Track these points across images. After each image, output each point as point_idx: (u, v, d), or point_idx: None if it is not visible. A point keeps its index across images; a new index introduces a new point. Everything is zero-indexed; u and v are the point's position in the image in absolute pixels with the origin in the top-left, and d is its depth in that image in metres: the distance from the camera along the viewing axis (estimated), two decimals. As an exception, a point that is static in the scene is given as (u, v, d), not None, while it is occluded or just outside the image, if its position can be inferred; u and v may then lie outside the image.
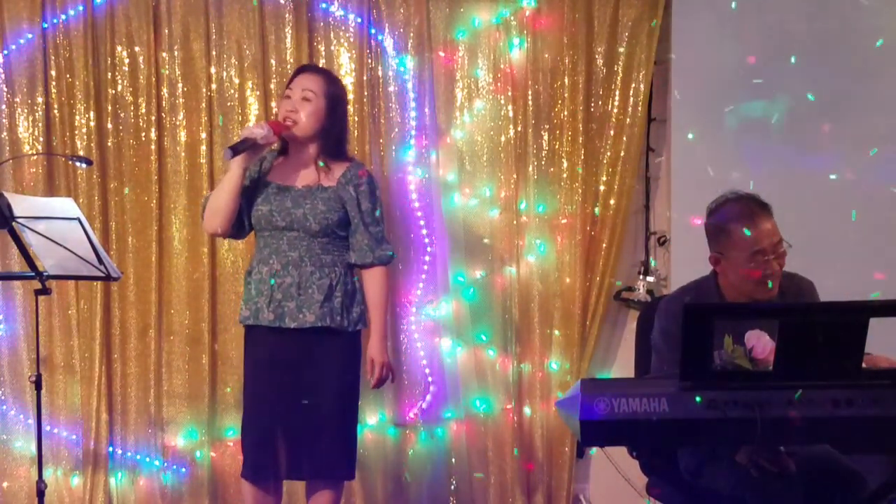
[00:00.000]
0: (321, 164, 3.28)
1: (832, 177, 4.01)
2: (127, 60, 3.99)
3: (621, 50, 4.08)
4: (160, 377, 4.02)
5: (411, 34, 4.06)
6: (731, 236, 2.85)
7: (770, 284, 2.84)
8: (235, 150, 3.16)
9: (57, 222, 3.11)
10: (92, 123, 3.96)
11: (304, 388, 3.19)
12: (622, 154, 4.09)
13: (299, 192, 3.24)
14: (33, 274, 3.23)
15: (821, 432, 2.33)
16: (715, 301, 2.92)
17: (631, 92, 4.08)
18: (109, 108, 3.98)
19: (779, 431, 2.25)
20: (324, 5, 4.03)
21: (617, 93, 4.10)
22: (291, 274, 3.20)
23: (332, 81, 3.35)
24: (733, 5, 4.06)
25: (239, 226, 3.33)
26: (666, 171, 4.20)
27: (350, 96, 4.03)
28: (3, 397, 4.01)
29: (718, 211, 2.93)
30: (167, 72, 4.00)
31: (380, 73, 4.06)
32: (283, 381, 3.21)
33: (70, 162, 3.90)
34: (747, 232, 2.81)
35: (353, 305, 3.26)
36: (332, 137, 3.30)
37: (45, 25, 3.93)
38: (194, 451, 4.05)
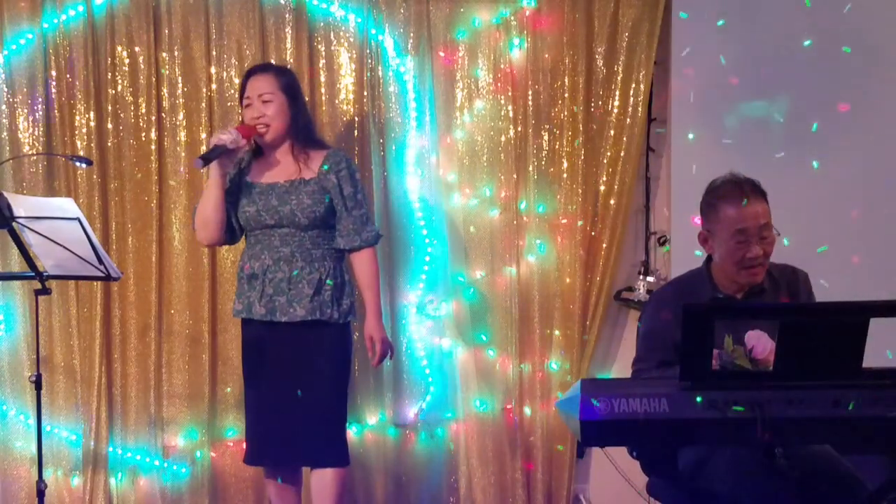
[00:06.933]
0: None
1: (832, 176, 4.01)
2: (127, 60, 3.98)
3: (621, 50, 4.08)
4: (160, 377, 4.02)
5: (411, 34, 4.06)
6: (718, 212, 2.89)
7: (754, 269, 2.84)
8: (206, 158, 3.22)
9: (57, 222, 3.10)
10: (92, 123, 3.95)
11: (296, 379, 3.29)
12: (622, 154, 4.09)
13: (283, 188, 3.31)
14: (33, 274, 3.22)
15: (821, 432, 2.33)
16: (706, 289, 2.93)
17: (631, 92, 4.08)
18: (109, 108, 3.98)
19: (779, 431, 2.25)
20: (324, 5, 4.03)
21: (617, 93, 4.10)
22: (283, 269, 3.30)
23: (281, 73, 3.43)
24: (734, 5, 4.06)
25: (231, 232, 3.43)
26: (666, 171, 4.20)
27: (350, 96, 4.04)
28: (3, 397, 4.01)
29: (713, 188, 2.96)
30: (167, 72, 4.00)
31: (380, 73, 4.06)
32: (277, 372, 3.31)
33: (70, 162, 3.90)
34: (733, 210, 2.84)
35: (343, 297, 3.35)
36: (302, 125, 3.39)
37: (45, 25, 3.93)
38: (194, 451, 4.05)
